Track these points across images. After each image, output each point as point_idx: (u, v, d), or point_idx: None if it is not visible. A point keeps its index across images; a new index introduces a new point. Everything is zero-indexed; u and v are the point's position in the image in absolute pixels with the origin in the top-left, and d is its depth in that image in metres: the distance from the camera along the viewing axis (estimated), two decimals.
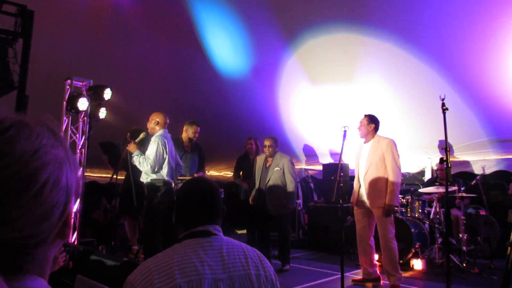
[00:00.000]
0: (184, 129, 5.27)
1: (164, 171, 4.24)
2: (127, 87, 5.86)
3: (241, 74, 5.85)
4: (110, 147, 5.57)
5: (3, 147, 0.53)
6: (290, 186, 5.03)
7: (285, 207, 5.02)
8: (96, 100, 4.98)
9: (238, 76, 5.88)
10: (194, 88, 6.27)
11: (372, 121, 4.32)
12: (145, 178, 4.29)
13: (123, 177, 5.65)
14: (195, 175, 5.23)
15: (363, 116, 4.38)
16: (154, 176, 4.22)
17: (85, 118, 5.02)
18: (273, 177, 5.08)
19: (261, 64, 5.74)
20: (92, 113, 4.99)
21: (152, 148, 4.16)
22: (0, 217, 0.52)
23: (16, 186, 0.53)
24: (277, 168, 5.07)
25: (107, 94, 4.95)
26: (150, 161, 4.11)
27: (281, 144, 5.49)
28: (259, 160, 5.33)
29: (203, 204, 1.43)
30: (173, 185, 4.55)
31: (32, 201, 0.54)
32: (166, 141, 4.27)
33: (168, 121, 4.43)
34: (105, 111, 5.06)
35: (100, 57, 5.35)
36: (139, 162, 4.15)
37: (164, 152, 4.21)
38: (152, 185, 4.21)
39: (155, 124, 4.31)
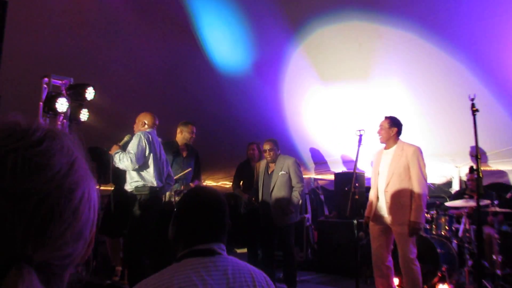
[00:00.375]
0: (178, 130, 5.25)
1: (150, 173, 4.20)
2: (113, 86, 5.87)
3: (242, 71, 5.86)
4: (99, 154, 5.54)
5: (42, 160, 0.56)
6: (296, 191, 4.99)
7: (290, 214, 4.95)
8: (77, 100, 4.96)
9: (238, 72, 5.89)
10: (188, 87, 6.27)
11: (395, 124, 4.27)
12: (128, 185, 4.26)
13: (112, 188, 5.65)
14: (191, 184, 5.19)
15: (383, 119, 4.33)
16: (138, 182, 4.18)
17: (65, 121, 5.00)
18: (279, 183, 5.04)
19: (264, 59, 5.74)
20: (72, 115, 4.97)
21: (133, 143, 4.17)
22: (42, 235, 0.55)
23: (59, 201, 0.56)
24: (282, 172, 5.05)
25: (90, 93, 4.93)
26: (130, 154, 4.09)
27: (287, 150, 5.46)
28: (260, 166, 5.31)
29: (209, 218, 1.43)
30: (167, 195, 4.52)
31: (72, 217, 0.58)
32: (151, 137, 4.25)
33: (157, 122, 4.41)
34: (87, 113, 5.04)
35: (81, 52, 5.36)
36: (119, 159, 4.14)
37: (147, 148, 4.19)
38: (136, 193, 4.17)
39: (143, 126, 4.30)
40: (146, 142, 4.19)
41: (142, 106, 6.12)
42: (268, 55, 5.68)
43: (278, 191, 5.05)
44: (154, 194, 4.22)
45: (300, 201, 5.68)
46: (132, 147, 4.16)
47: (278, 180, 5.04)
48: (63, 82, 5.02)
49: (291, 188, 5.08)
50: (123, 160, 4.11)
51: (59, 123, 5.07)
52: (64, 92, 4.92)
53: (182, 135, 5.20)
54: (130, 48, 5.61)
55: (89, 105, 5.03)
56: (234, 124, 6.84)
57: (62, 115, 4.99)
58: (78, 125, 5.09)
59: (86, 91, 4.93)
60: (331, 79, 5.66)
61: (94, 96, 4.98)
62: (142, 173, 4.22)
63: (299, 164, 5.26)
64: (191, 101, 6.48)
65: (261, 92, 6.22)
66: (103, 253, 6.01)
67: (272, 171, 5.14)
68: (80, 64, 5.45)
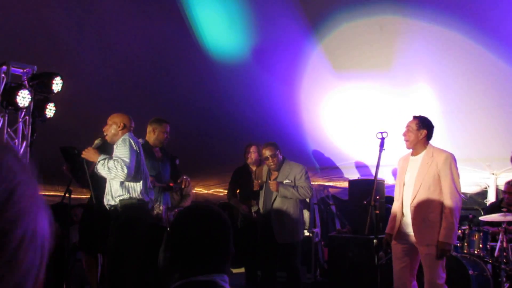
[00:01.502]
0: (149, 129, 5.17)
1: (138, 185, 4.17)
2: (84, 75, 5.83)
3: (240, 58, 5.81)
4: (74, 155, 5.51)
5: None
6: (304, 187, 4.98)
7: (295, 232, 4.95)
8: (42, 93, 4.95)
9: (236, 60, 5.85)
10: (175, 77, 6.24)
11: (424, 126, 4.23)
12: (110, 199, 4.22)
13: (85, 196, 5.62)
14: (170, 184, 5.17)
15: (411, 118, 4.31)
16: (123, 196, 4.14)
17: (27, 117, 4.99)
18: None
19: (266, 44, 5.71)
20: (36, 111, 4.95)
21: (124, 148, 4.09)
22: None
23: None
24: (286, 181, 5.04)
25: (57, 84, 4.92)
26: (125, 162, 4.00)
27: (291, 152, 5.44)
28: (261, 172, 5.30)
29: (211, 244, 1.41)
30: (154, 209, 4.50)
31: (5, 267, 0.52)
32: (139, 144, 4.24)
33: (133, 125, 4.39)
34: (54, 108, 5.01)
35: (47, 35, 5.30)
36: (109, 168, 4.02)
37: (139, 153, 4.17)
38: (121, 209, 4.13)
39: (119, 129, 4.25)
40: (136, 147, 4.16)
41: (120, 100, 6.11)
42: (271, 39, 5.66)
43: (281, 203, 5.04)
44: (143, 207, 4.18)
45: (308, 213, 5.69)
46: (124, 154, 4.06)
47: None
48: (25, 71, 5.02)
49: (296, 199, 5.07)
50: (114, 169, 3.99)
51: (21, 120, 5.05)
52: (26, 83, 4.92)
53: (155, 135, 5.13)
54: (104, 30, 5.55)
55: (56, 98, 5.02)
56: (230, 122, 6.82)
57: (24, 110, 4.99)
58: (44, 122, 5.08)
59: (53, 81, 4.92)
60: (346, 69, 5.64)
61: (62, 87, 4.98)
62: (128, 184, 4.16)
63: (307, 172, 5.23)
64: (179, 94, 6.45)
65: (262, 84, 6.20)
66: (78, 273, 5.98)
67: (275, 179, 5.13)
68: (45, 49, 5.39)
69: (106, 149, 4.34)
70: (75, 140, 5.51)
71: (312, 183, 5.58)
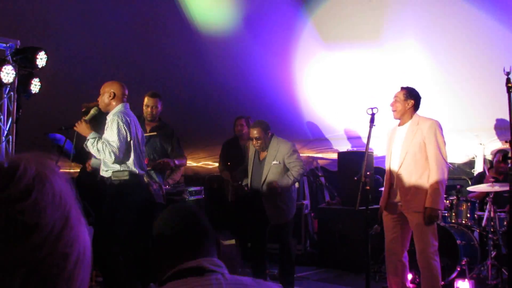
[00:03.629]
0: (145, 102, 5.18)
1: (130, 159, 4.17)
2: (69, 49, 5.73)
3: (228, 29, 5.74)
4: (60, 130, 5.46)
5: (31, 219, 0.52)
6: (295, 169, 4.88)
7: (274, 191, 4.91)
8: (26, 68, 4.86)
9: (224, 31, 5.78)
10: (161, 49, 6.16)
11: (411, 96, 4.25)
12: (104, 171, 4.23)
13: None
14: (175, 161, 5.14)
15: (399, 89, 4.32)
16: (116, 167, 4.14)
17: (12, 93, 4.91)
18: (271, 175, 4.96)
19: (254, 15, 5.64)
20: (21, 87, 4.88)
21: (112, 131, 4.07)
22: None
23: (51, 270, 0.53)
24: (274, 162, 4.95)
25: (41, 59, 4.83)
26: (113, 148, 4.00)
27: (282, 124, 5.43)
28: (250, 148, 5.26)
29: (191, 228, 1.46)
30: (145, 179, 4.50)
31: (65, 285, 0.56)
32: (129, 119, 4.20)
33: (127, 92, 4.35)
34: (39, 83, 4.94)
35: (30, 8, 5.18)
36: (97, 150, 4.03)
37: (128, 134, 4.13)
38: (114, 178, 4.13)
39: (110, 98, 4.22)
40: (125, 129, 4.11)
41: (105, 74, 6.02)
42: (260, 10, 5.58)
43: (271, 184, 4.94)
44: (135, 179, 4.18)
45: (297, 185, 5.68)
46: (112, 137, 4.03)
47: (270, 171, 4.95)
48: (8, 45, 4.92)
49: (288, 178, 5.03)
50: (102, 152, 4.01)
51: (5, 96, 4.97)
52: (9, 58, 4.84)
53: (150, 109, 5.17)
54: (89, 3, 5.44)
55: (41, 73, 4.94)
56: (218, 94, 6.79)
57: (9, 86, 4.90)
58: (29, 98, 5.01)
59: (37, 56, 4.84)
60: (336, 40, 5.61)
61: (47, 62, 4.90)
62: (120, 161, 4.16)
63: (296, 150, 5.16)
64: (166, 67, 6.38)
65: (251, 55, 6.15)
66: None
67: (264, 159, 5.06)
68: (29, 23, 5.28)
69: (102, 118, 4.31)
70: (59, 115, 5.46)
71: (301, 155, 5.57)
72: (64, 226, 0.56)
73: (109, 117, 4.18)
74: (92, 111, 4.39)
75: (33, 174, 0.56)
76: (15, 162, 0.56)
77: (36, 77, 4.92)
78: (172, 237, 1.45)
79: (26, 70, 4.89)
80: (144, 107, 5.14)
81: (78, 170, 5.61)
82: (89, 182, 4.81)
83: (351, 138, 7.20)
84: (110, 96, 4.23)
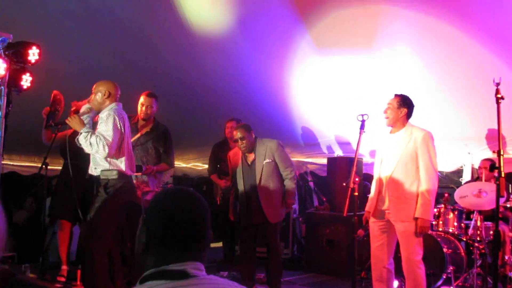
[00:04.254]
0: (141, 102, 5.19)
1: (120, 159, 4.15)
2: (62, 45, 5.68)
3: (222, 32, 5.73)
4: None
5: None
6: (288, 178, 5.02)
7: (291, 206, 5.01)
8: (18, 63, 4.81)
9: (217, 33, 5.76)
10: (155, 48, 6.13)
11: (405, 104, 4.28)
12: (93, 169, 4.20)
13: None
14: (155, 168, 5.13)
15: (392, 96, 4.34)
16: (105, 166, 4.12)
17: (2, 87, 4.87)
18: (265, 174, 5.00)
19: (248, 18, 5.63)
20: (12, 81, 4.83)
21: (107, 125, 4.04)
22: None
23: None
24: (267, 161, 5.01)
25: (34, 54, 4.79)
26: (107, 141, 3.97)
27: (273, 129, 5.43)
28: (234, 156, 5.25)
29: (187, 227, 1.37)
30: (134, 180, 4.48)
31: None
32: (124, 117, 4.19)
33: (119, 92, 4.34)
34: (31, 78, 4.90)
35: (22, 2, 5.14)
36: (90, 143, 3.98)
37: (123, 130, 4.12)
38: (103, 177, 4.11)
39: (105, 97, 4.21)
40: (121, 125, 4.09)
41: (98, 71, 5.99)
42: (253, 13, 5.57)
43: (266, 184, 5.00)
44: (123, 179, 4.15)
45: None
46: (107, 131, 4.01)
47: (264, 170, 4.99)
48: (0, 39, 4.86)
49: (280, 176, 5.07)
50: (96, 146, 3.95)
51: None
52: (1, 52, 4.79)
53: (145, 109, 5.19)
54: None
55: (33, 68, 4.89)
56: (210, 96, 6.75)
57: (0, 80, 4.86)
58: (19, 94, 4.96)
59: (29, 51, 4.81)
60: (328, 46, 5.61)
61: (40, 57, 4.86)
62: (111, 159, 4.13)
63: (283, 145, 5.22)
64: (159, 67, 6.34)
65: (244, 59, 6.12)
66: (56, 246, 5.96)
67: (253, 161, 5.07)
68: (21, 18, 5.23)
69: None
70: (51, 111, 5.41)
71: (292, 159, 5.59)
72: None
73: (103, 114, 4.16)
74: (85, 109, 4.37)
75: None
76: None
77: (28, 72, 4.88)
78: (164, 233, 1.36)
79: (18, 65, 4.84)
80: (139, 106, 5.16)
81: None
82: (76, 180, 4.77)
83: (342, 144, 7.22)
84: (104, 95, 4.22)
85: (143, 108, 5.13)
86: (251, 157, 5.09)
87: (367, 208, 4.47)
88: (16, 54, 4.79)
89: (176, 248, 1.35)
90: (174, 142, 5.43)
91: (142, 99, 5.16)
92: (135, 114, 5.23)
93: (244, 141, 4.98)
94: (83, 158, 4.42)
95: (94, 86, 4.32)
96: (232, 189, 5.36)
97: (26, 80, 4.88)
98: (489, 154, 6.02)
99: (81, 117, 4.18)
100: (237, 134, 5.00)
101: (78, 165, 4.66)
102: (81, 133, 4.07)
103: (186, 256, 1.35)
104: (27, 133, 5.59)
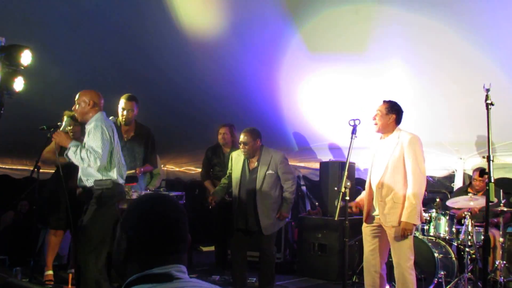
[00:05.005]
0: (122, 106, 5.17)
1: (112, 168, 4.15)
2: (55, 48, 5.67)
3: (216, 37, 5.73)
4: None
5: None
6: (290, 190, 5.01)
7: (281, 217, 4.99)
8: (10, 66, 4.79)
9: (212, 38, 5.76)
10: (149, 53, 6.13)
11: (393, 111, 4.31)
12: (84, 181, 4.18)
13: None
14: (138, 170, 5.12)
15: (381, 103, 4.37)
16: (98, 176, 4.11)
17: None
18: (266, 185, 4.96)
19: (242, 23, 5.64)
20: (4, 85, 4.82)
21: (96, 136, 4.02)
22: None
23: None
24: (269, 172, 4.97)
25: (26, 57, 4.77)
26: (98, 154, 3.95)
27: (267, 133, 5.42)
28: (237, 157, 5.22)
29: (166, 230, 1.38)
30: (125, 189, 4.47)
31: None
32: (112, 127, 4.18)
33: (103, 101, 4.33)
34: (23, 81, 4.89)
35: (15, 5, 5.13)
36: (81, 158, 3.98)
37: (112, 140, 4.11)
38: (96, 187, 4.10)
39: (90, 106, 4.18)
40: (110, 135, 4.08)
41: (91, 74, 5.99)
42: (248, 19, 5.58)
43: (266, 194, 4.97)
44: (117, 188, 4.15)
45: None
46: (96, 143, 4.00)
47: (265, 181, 4.96)
48: None
49: (280, 188, 5.05)
50: (87, 160, 3.95)
51: None
52: None
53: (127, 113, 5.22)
54: (78, 3, 5.40)
55: (25, 72, 4.88)
56: (203, 101, 6.75)
57: None
58: (11, 97, 4.94)
59: (22, 54, 4.78)
60: (322, 51, 5.62)
61: (32, 61, 4.85)
62: (102, 170, 4.12)
63: (287, 159, 5.20)
64: (153, 71, 6.33)
65: (238, 63, 6.12)
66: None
67: (255, 168, 5.05)
68: (14, 20, 5.22)
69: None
70: (43, 115, 5.40)
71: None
72: None
73: (89, 125, 4.14)
74: (66, 121, 4.37)
75: None
76: None
77: (20, 76, 4.87)
78: (143, 239, 1.37)
79: (10, 68, 4.82)
80: (119, 110, 5.14)
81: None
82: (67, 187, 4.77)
83: (334, 149, 7.23)
84: (89, 104, 4.19)
85: (124, 112, 5.12)
86: (253, 163, 5.08)
87: (357, 199, 4.56)
88: (8, 57, 4.78)
89: (158, 251, 1.36)
90: (167, 146, 5.45)
91: (122, 103, 5.14)
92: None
93: (246, 147, 4.98)
94: (75, 167, 4.40)
95: (77, 96, 4.29)
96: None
97: (18, 84, 4.88)
98: (481, 160, 6.05)
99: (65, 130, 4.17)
100: (242, 138, 4.99)
101: (70, 173, 4.64)
102: (69, 148, 4.05)
103: (168, 259, 1.36)
104: (19, 136, 5.56)
